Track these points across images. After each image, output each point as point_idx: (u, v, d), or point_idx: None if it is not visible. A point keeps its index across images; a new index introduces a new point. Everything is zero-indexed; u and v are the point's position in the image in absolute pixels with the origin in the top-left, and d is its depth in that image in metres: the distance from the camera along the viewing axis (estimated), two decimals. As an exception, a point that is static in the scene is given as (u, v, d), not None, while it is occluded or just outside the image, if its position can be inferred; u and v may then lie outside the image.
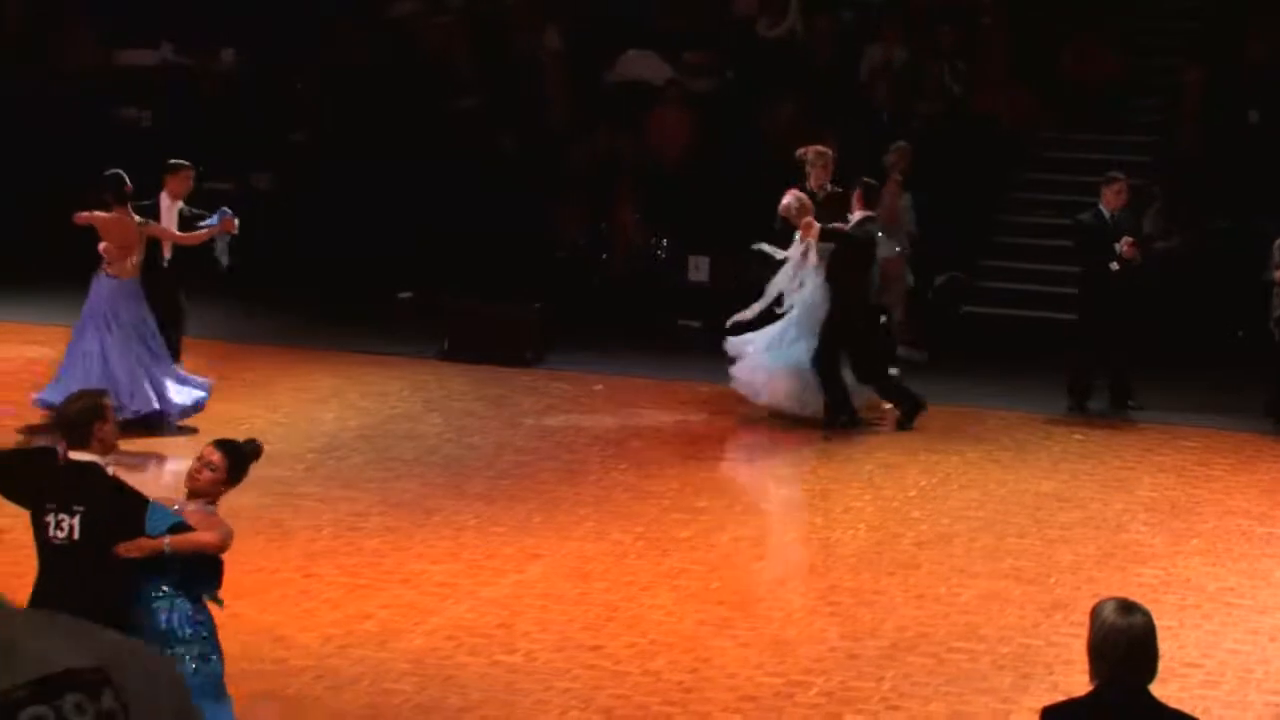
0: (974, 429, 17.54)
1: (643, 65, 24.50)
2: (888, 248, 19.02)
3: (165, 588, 9.00)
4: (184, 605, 9.08)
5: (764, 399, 17.46)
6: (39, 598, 8.75)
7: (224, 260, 17.32)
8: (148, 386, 16.10)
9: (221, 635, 11.75)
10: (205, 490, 9.19)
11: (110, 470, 9.09)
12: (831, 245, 17.21)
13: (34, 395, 16.18)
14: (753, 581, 13.21)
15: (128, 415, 15.37)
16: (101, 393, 9.52)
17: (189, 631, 9.04)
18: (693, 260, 22.57)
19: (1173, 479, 16.15)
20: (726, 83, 24.42)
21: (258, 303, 21.62)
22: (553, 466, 16.20)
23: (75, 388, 15.41)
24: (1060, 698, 7.56)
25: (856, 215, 17.40)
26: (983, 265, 22.49)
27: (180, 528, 8.91)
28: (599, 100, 24.35)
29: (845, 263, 17.18)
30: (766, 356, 17.39)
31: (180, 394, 16.37)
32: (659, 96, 23.98)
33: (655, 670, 11.46)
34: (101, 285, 16.27)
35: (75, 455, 8.98)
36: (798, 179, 18.37)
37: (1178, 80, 23.25)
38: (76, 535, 8.80)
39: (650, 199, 22.96)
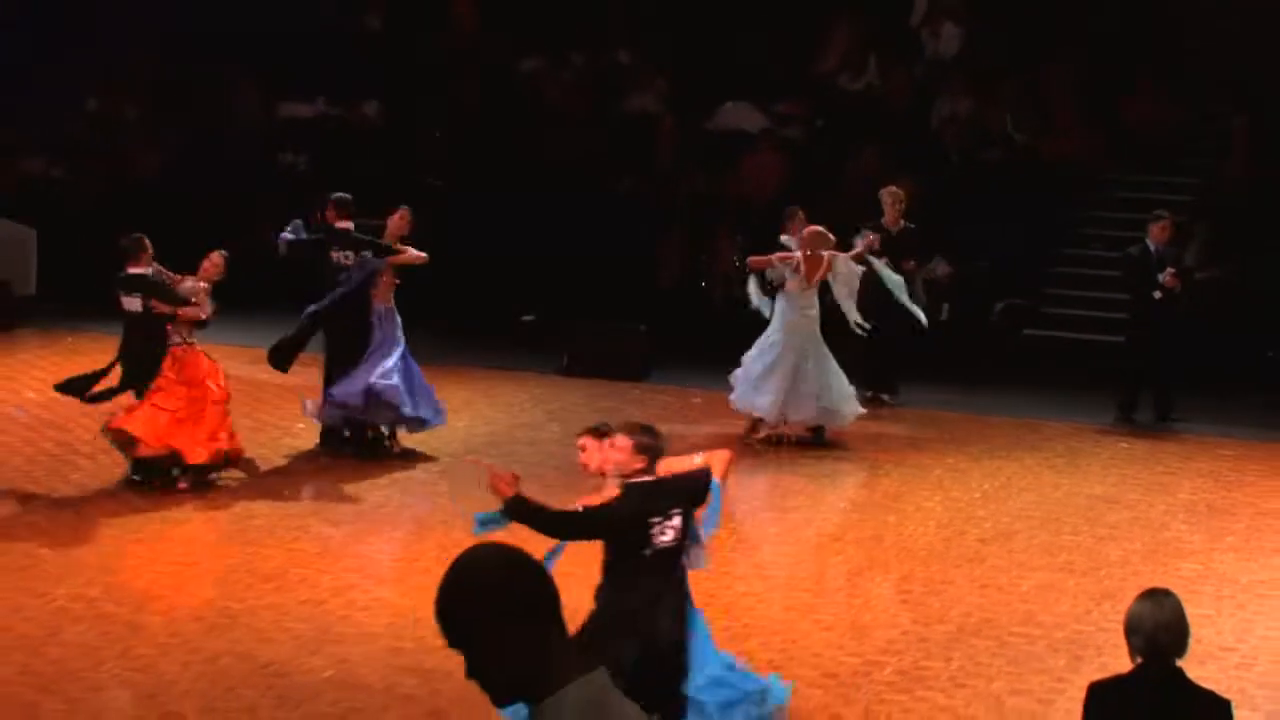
0: (1032, 438, 17.46)
1: (740, 115, 24.52)
2: None
3: None
4: None
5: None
6: (647, 599, 8.96)
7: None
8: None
9: (368, 618, 11.88)
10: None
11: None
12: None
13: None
14: (834, 572, 13.20)
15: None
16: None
17: None
18: (782, 289, 22.55)
19: (1210, 483, 16.03)
20: (814, 131, 24.39)
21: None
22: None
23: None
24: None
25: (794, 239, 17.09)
26: (1042, 293, 22.39)
27: None
28: (701, 146, 24.39)
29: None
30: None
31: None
32: (754, 143, 24.00)
33: (748, 650, 11.45)
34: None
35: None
36: (875, 215, 18.53)
37: (1226, 127, 23.02)
38: (679, 535, 8.97)
39: (745, 234, 22.96)
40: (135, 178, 24.68)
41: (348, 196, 16.25)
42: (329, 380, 15.99)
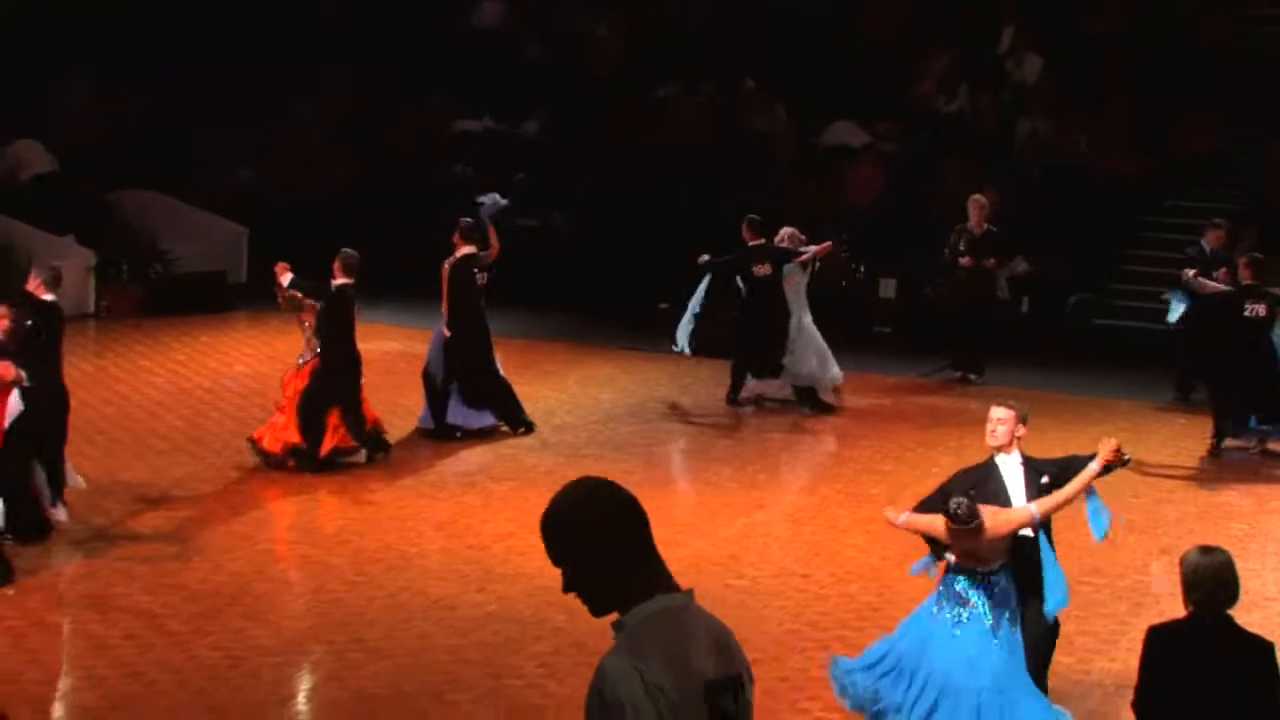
0: (1099, 413, 17.18)
1: (846, 133, 24.33)
2: None
3: None
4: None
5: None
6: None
7: None
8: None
9: (524, 561, 11.89)
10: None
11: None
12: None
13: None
14: (926, 527, 13.03)
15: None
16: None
17: None
18: (883, 281, 22.38)
19: (1257, 453, 15.71)
20: (911, 146, 24.16)
21: (555, 310, 21.71)
22: (775, 437, 16.17)
23: None
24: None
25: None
26: (1112, 288, 22.12)
27: None
28: (813, 158, 24.25)
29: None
30: None
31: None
32: (858, 157, 23.84)
33: (850, 594, 11.39)
34: None
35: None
36: (962, 220, 18.42)
37: (1265, 149, 22.60)
38: None
39: (851, 234, 22.78)
40: (327, 184, 24.80)
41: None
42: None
